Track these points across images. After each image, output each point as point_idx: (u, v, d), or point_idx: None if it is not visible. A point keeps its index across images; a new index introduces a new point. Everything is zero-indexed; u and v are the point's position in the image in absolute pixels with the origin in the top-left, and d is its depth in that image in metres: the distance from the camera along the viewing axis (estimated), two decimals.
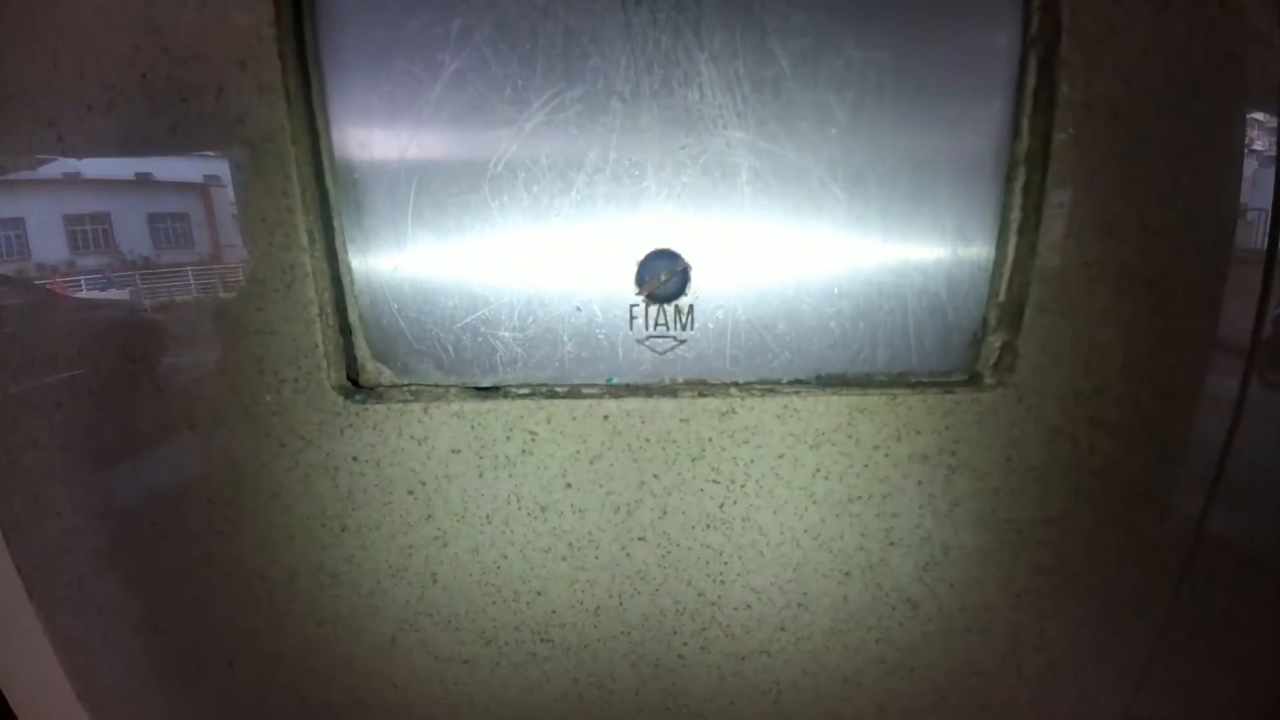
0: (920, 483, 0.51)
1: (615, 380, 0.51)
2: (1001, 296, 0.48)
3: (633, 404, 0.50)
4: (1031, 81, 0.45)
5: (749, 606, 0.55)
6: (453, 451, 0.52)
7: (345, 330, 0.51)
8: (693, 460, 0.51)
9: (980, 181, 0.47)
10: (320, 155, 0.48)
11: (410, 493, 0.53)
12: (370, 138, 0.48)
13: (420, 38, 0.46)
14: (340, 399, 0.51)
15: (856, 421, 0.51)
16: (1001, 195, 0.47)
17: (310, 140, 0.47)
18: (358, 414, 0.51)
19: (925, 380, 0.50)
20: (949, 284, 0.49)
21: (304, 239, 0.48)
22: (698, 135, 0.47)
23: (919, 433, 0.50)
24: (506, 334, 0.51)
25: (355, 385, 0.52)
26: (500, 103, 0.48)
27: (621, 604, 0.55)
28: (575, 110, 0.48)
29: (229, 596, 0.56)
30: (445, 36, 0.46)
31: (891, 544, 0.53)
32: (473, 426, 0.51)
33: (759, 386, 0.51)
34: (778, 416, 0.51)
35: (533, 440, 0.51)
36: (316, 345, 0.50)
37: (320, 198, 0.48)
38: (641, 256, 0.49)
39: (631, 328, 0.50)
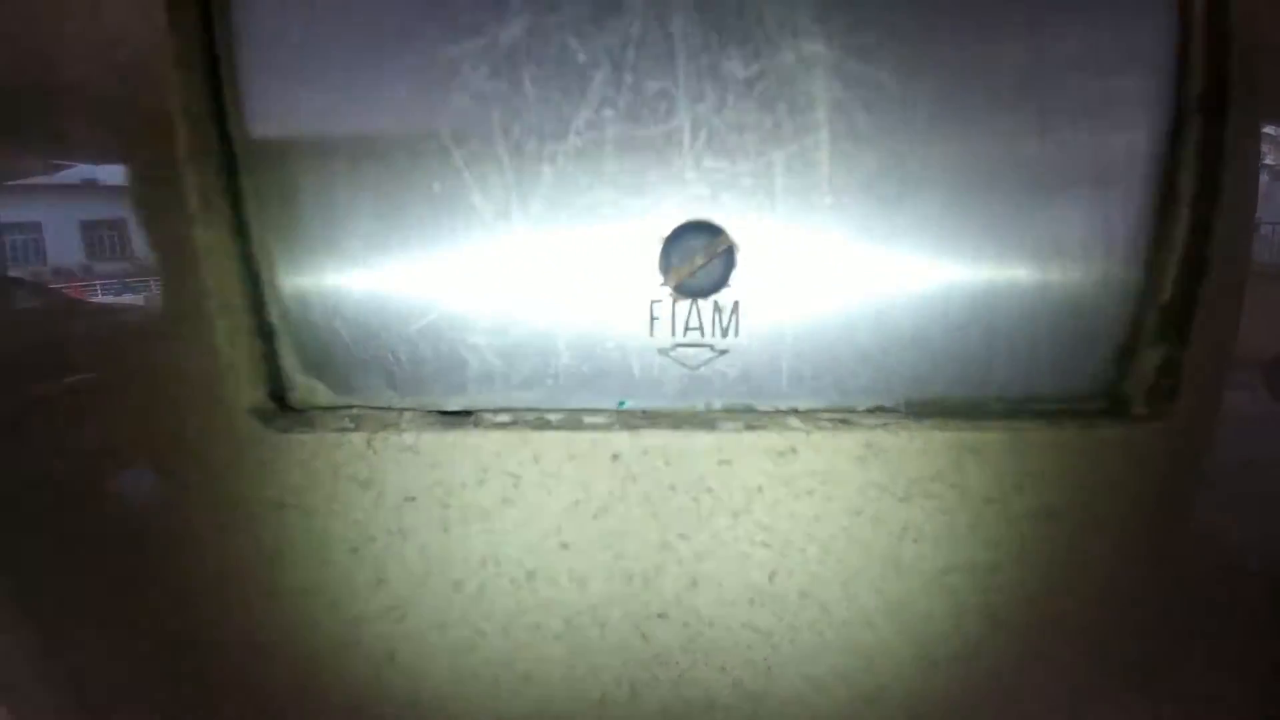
0: (1043, 545, 0.42)
1: (629, 405, 0.43)
2: (1164, 295, 0.39)
3: (653, 438, 0.41)
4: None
5: (803, 700, 0.46)
6: (407, 499, 0.43)
7: (265, 333, 0.43)
8: (735, 516, 0.42)
9: (1136, 135, 0.38)
10: (224, 100, 0.39)
11: (354, 550, 0.44)
12: (292, 69, 0.39)
13: None
14: (258, 425, 0.42)
15: (965, 465, 0.41)
16: (1165, 154, 0.38)
17: (208, 78, 0.38)
18: (282, 446, 0.42)
19: (1054, 408, 0.41)
20: (1090, 279, 0.40)
21: (194, 204, 0.38)
22: (754, 49, 0.37)
23: (1045, 480, 0.41)
24: (480, 340, 0.42)
25: (283, 406, 0.44)
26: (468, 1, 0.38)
27: (635, 694, 0.46)
28: (573, 10, 0.37)
29: (142, 668, 0.49)
30: None
31: (995, 625, 0.44)
32: (433, 465, 0.42)
33: (829, 416, 0.43)
34: (857, 459, 0.42)
35: (515, 486, 0.42)
36: (222, 353, 0.41)
37: (224, 156, 0.40)
38: (668, 232, 0.40)
39: (652, 332, 0.42)
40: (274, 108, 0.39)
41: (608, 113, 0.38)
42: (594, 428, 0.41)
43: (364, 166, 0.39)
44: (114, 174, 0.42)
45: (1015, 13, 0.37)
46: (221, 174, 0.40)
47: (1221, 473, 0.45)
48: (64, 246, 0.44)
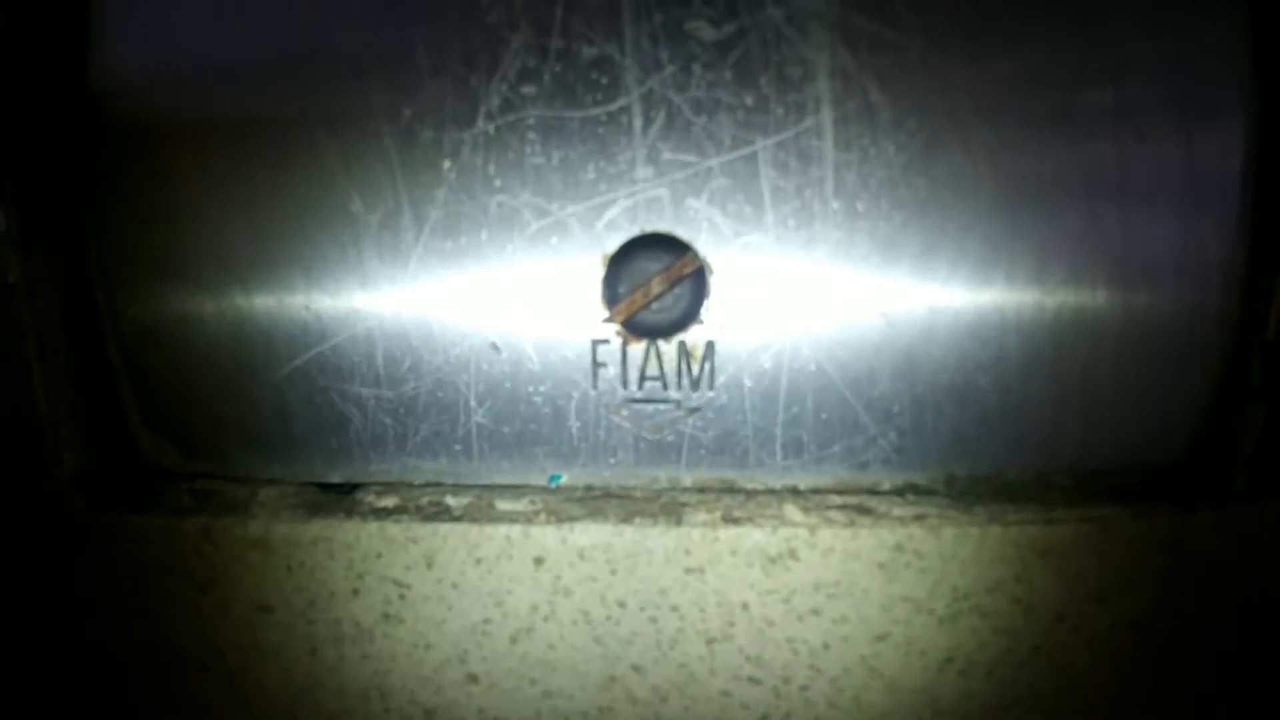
0: (1117, 671, 0.35)
1: (563, 480, 0.35)
2: (1271, 329, 0.34)
3: (593, 534, 0.33)
4: None
5: None
6: (261, 608, 0.34)
7: (100, 378, 0.35)
8: (710, 644, 0.34)
9: (1234, 134, 0.31)
10: (70, 70, 0.32)
11: (201, 668, 0.35)
12: (150, 41, 0.33)
13: None
14: (78, 500, 0.34)
15: (1031, 572, 0.33)
16: (1267, 158, 0.31)
17: (38, 43, 0.32)
18: (106, 528, 0.35)
19: (1138, 486, 0.35)
20: (1178, 310, 0.33)
21: (9, 222, 0.32)
22: (728, 1, 0.30)
23: (1131, 586, 0.34)
24: (365, 391, 0.34)
25: (120, 472, 0.36)
26: None
27: None
28: None
29: None
30: None
31: None
32: (292, 567, 0.33)
33: (841, 499, 0.34)
34: (880, 564, 0.32)
35: (403, 598, 0.33)
36: (35, 402, 0.33)
37: (62, 152, 0.33)
38: (614, 248, 0.33)
39: (596, 383, 0.34)
40: (124, 104, 0.32)
41: (528, 89, 0.30)
42: (510, 518, 0.31)
43: (217, 163, 0.31)
44: None
45: None
46: (51, 176, 0.32)
47: None
48: None
